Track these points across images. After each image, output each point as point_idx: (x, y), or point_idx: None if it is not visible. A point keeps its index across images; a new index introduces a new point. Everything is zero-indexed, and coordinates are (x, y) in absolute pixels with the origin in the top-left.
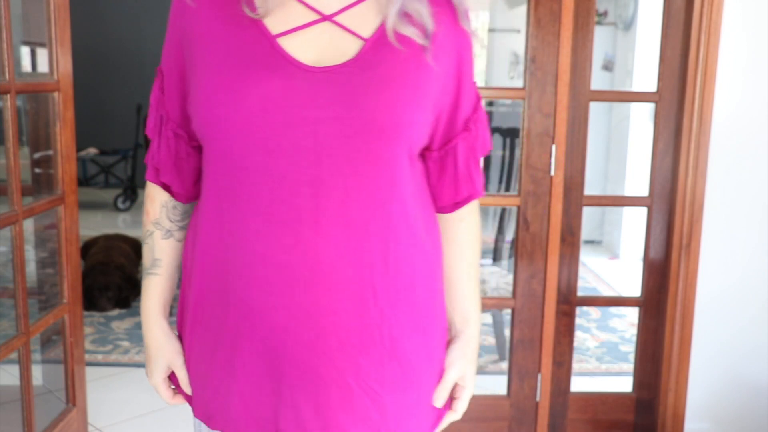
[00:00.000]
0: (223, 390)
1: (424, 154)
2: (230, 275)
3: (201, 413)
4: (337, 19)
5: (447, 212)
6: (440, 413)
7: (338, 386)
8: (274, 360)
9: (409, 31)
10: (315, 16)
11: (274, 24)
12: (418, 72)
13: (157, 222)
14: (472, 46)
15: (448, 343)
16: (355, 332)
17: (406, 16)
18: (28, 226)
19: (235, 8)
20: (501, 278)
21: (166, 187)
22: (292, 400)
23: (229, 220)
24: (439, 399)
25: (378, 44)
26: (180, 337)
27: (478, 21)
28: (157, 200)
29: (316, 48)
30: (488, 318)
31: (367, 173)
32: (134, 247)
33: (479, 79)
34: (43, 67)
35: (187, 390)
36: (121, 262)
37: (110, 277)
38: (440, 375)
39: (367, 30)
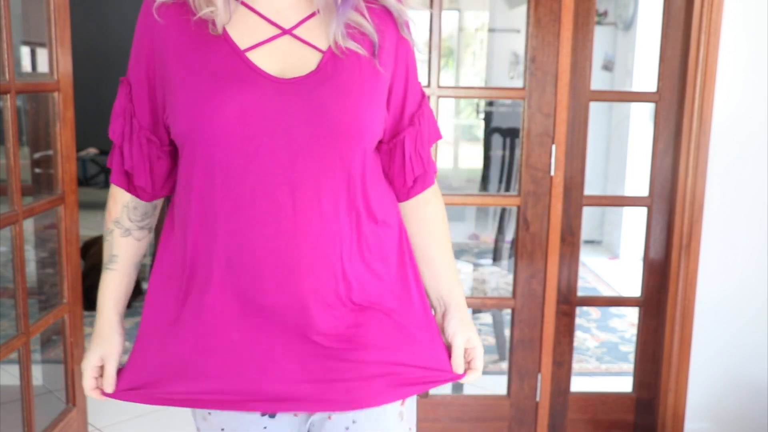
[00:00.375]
0: (205, 350)
1: (377, 146)
2: (217, 268)
3: (139, 380)
4: (295, 32)
5: (404, 199)
6: (428, 378)
7: (320, 345)
8: (264, 329)
9: (353, 45)
10: (276, 31)
11: (239, 38)
12: (372, 79)
13: (118, 221)
14: (413, 52)
15: (443, 316)
16: (333, 305)
17: (350, 31)
18: (28, 226)
19: (200, 26)
20: (501, 278)
21: (137, 189)
22: (279, 361)
23: (213, 217)
24: (459, 367)
25: (335, 55)
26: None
27: (478, 21)
28: (119, 200)
29: (280, 60)
30: (488, 318)
31: (335, 170)
32: None
33: (479, 79)
34: (43, 67)
35: (108, 387)
36: None
37: None
38: (415, 337)
39: (323, 43)
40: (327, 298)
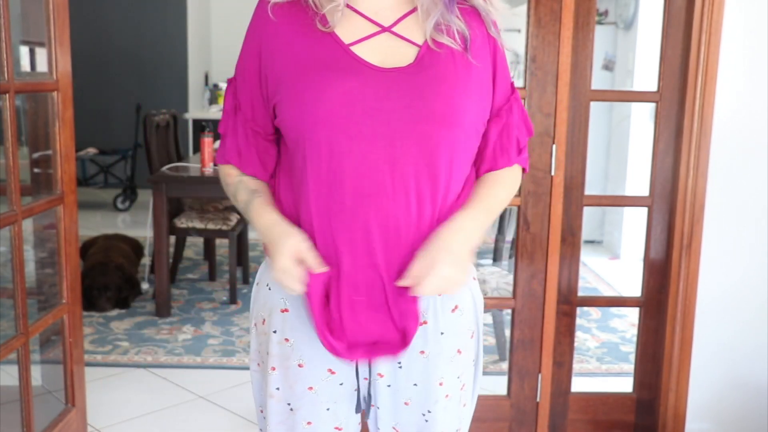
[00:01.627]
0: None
1: None
2: (323, 239)
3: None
4: (394, 29)
5: (480, 174)
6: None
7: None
8: (366, 298)
9: (446, 40)
10: (376, 28)
11: (344, 35)
12: (466, 69)
13: (240, 174)
14: (501, 48)
15: None
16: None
17: (442, 28)
18: (27, 226)
19: (309, 24)
20: (501, 278)
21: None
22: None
23: (322, 195)
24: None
25: (431, 49)
26: None
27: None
28: (234, 172)
29: (381, 54)
30: (488, 318)
31: (432, 154)
32: (134, 247)
33: None
34: (42, 66)
35: (320, 268)
36: (120, 262)
37: (109, 278)
38: None
39: (420, 38)
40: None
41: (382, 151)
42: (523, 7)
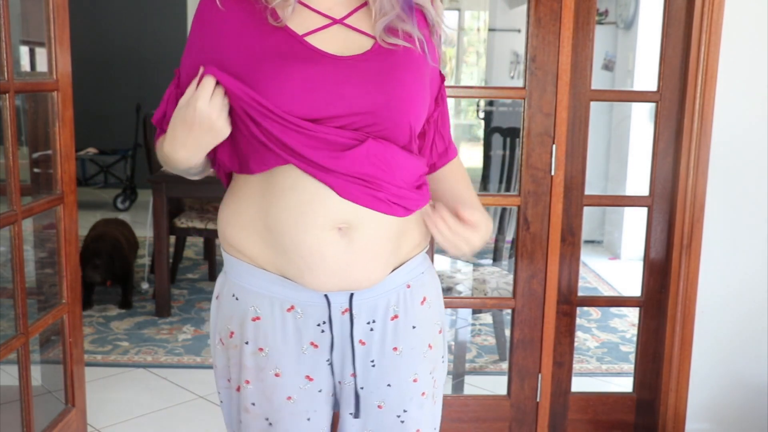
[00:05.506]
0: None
1: None
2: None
3: None
4: (347, 22)
5: (432, 171)
6: None
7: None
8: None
9: (397, 41)
10: (328, 20)
11: (296, 28)
12: (418, 60)
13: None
14: (436, 42)
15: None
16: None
17: (397, 31)
18: (27, 226)
19: (259, 17)
20: (501, 278)
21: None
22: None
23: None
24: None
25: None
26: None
27: (478, 20)
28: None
29: (336, 44)
30: (488, 318)
31: (392, 136)
32: (130, 237)
33: (479, 79)
34: (42, 66)
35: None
36: (117, 236)
37: (102, 245)
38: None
39: (372, 30)
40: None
41: (343, 137)
42: (523, 7)
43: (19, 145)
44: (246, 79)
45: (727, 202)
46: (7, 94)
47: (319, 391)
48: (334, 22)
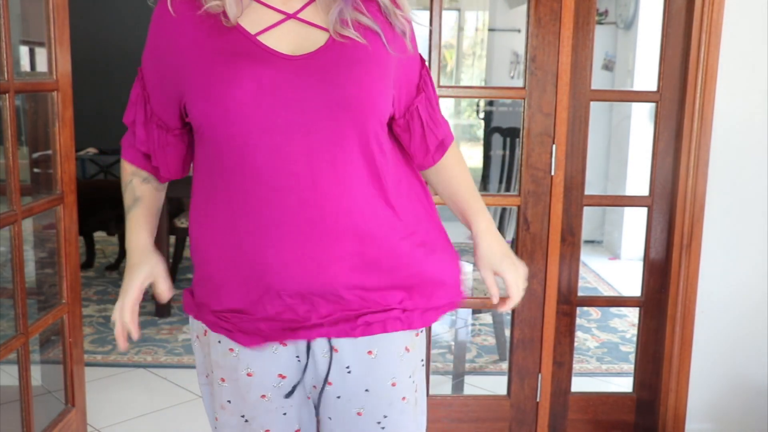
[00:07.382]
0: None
1: (391, 126)
2: (244, 241)
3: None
4: (301, 15)
5: (429, 166)
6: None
7: (343, 298)
8: (289, 303)
9: (351, 34)
10: (281, 16)
11: (249, 26)
12: (377, 53)
13: (135, 173)
14: (409, 24)
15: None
16: (358, 267)
17: (347, 21)
18: (27, 226)
19: (212, 18)
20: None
21: (154, 169)
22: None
23: (236, 193)
24: (494, 297)
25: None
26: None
27: (478, 20)
28: (130, 169)
29: (291, 42)
30: (488, 318)
31: (349, 139)
32: None
33: (479, 79)
34: (42, 66)
35: (165, 297)
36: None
37: (103, 193)
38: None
39: (326, 23)
40: (351, 262)
41: (298, 142)
42: (523, 7)
43: (19, 145)
44: (201, 81)
45: (727, 202)
46: (7, 94)
47: (294, 386)
48: (288, 17)
